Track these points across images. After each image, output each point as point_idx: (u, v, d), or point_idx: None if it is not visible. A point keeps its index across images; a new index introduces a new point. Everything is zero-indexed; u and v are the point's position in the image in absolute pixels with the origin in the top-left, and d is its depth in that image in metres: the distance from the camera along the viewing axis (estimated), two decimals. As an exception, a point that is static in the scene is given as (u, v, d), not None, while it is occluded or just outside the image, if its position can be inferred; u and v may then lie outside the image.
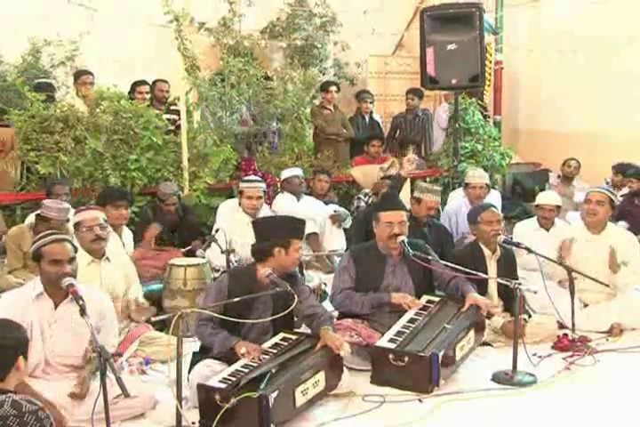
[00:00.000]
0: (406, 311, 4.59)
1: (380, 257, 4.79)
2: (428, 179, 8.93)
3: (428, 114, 9.47)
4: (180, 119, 7.46)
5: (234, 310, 3.91)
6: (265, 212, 6.50)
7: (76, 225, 4.64)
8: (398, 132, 9.38)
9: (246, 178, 6.63)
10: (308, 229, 6.91)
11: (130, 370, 4.39)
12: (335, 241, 7.10)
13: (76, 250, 3.84)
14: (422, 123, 9.33)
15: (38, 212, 5.58)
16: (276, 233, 4.17)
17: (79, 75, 7.84)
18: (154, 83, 8.26)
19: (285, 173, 7.32)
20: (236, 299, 3.86)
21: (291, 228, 4.25)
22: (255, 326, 4.11)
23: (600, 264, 5.25)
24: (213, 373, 3.85)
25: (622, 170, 8.15)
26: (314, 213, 7.03)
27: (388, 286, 4.75)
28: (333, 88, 8.94)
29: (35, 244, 3.76)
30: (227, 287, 4.09)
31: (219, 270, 5.73)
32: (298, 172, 7.35)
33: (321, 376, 3.87)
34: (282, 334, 4.18)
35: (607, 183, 8.26)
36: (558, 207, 6.33)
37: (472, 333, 4.49)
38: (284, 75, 8.74)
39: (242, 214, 6.30)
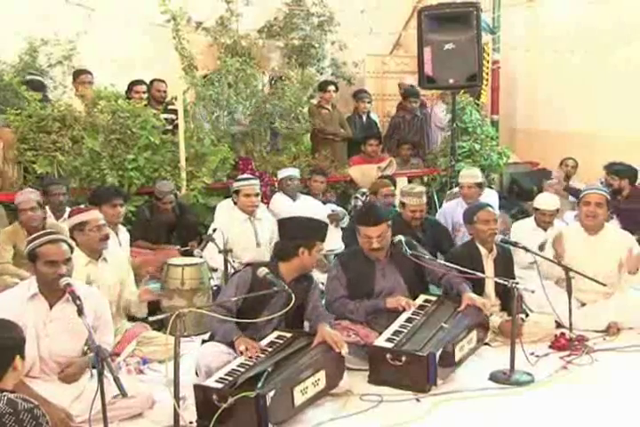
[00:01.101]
0: (404, 312, 4.60)
1: (368, 261, 4.80)
2: (426, 178, 8.94)
3: (427, 113, 9.48)
4: (177, 119, 7.45)
5: (250, 303, 4.08)
6: (262, 211, 6.49)
7: (79, 225, 4.58)
8: (396, 131, 9.38)
9: (240, 177, 6.59)
10: None
11: (127, 370, 4.39)
12: (332, 240, 7.09)
13: (71, 250, 3.82)
14: (420, 123, 9.35)
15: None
16: (301, 234, 4.31)
17: (78, 74, 7.83)
18: (151, 82, 8.25)
19: (280, 174, 7.32)
20: (252, 294, 4.02)
21: (316, 230, 4.39)
22: (269, 324, 4.22)
23: (598, 265, 5.23)
24: (220, 352, 3.97)
25: (614, 169, 8.16)
26: (311, 213, 7.02)
27: (381, 289, 4.76)
28: (332, 88, 8.94)
29: (30, 244, 3.73)
30: (250, 280, 4.18)
31: (216, 270, 5.72)
32: (292, 172, 7.32)
33: (321, 375, 3.87)
34: (277, 333, 4.20)
35: (601, 183, 8.27)
36: (557, 210, 6.35)
37: (474, 333, 4.50)
38: (281, 74, 8.73)
39: (239, 213, 6.28)
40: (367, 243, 4.71)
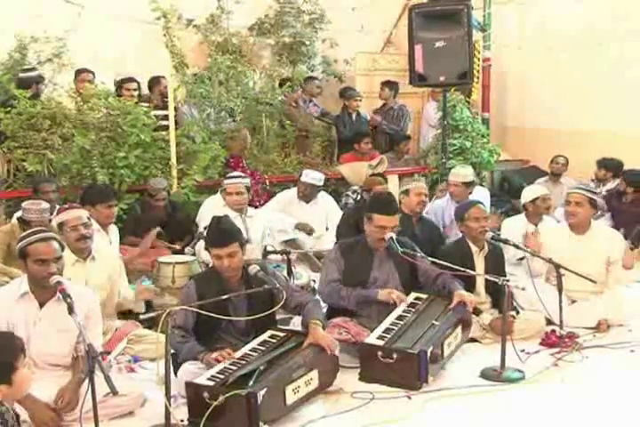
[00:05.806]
0: (395, 307, 4.61)
1: (368, 251, 4.81)
2: (416, 175, 8.94)
3: (404, 109, 9.46)
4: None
5: (207, 316, 3.86)
6: (255, 212, 6.46)
7: (60, 225, 4.59)
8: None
9: (229, 175, 6.54)
10: (284, 237, 6.85)
11: (118, 368, 4.38)
12: (325, 239, 7.10)
13: (62, 248, 3.80)
14: (397, 116, 9.35)
15: (19, 215, 5.52)
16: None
17: (80, 72, 7.80)
18: (157, 81, 8.19)
19: (304, 176, 7.21)
20: (201, 302, 3.85)
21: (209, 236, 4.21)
22: (233, 329, 4.14)
23: (586, 264, 5.20)
24: (201, 369, 3.85)
25: (606, 165, 8.19)
26: (317, 219, 7.14)
27: (375, 279, 4.77)
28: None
29: (21, 242, 3.71)
30: (195, 294, 4.06)
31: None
32: (314, 181, 7.20)
33: (314, 374, 3.87)
34: (270, 332, 4.18)
35: (592, 180, 8.31)
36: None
37: (459, 329, 4.51)
38: (272, 72, 8.73)
39: (229, 211, 6.20)
40: (379, 232, 4.66)
